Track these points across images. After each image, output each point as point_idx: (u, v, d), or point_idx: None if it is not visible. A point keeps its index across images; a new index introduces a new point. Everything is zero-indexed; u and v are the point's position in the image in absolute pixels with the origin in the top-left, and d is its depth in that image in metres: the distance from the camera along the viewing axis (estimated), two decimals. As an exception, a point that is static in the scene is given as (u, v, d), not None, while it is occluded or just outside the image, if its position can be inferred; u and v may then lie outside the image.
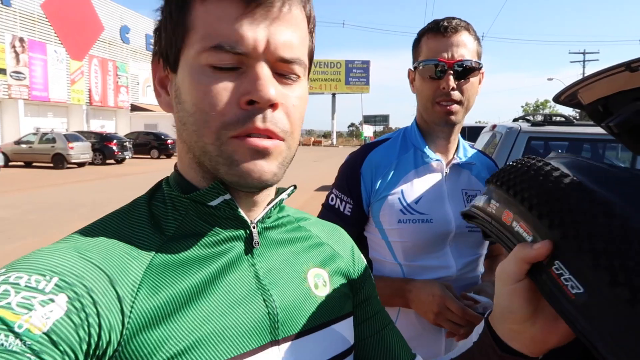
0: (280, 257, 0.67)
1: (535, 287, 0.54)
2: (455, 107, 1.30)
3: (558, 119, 4.64)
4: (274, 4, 0.55)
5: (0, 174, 17.52)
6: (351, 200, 1.36)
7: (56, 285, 0.47)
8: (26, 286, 0.46)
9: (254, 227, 0.65)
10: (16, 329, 0.43)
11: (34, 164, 21.36)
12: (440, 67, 1.28)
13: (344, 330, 0.71)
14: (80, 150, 20.96)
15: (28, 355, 0.42)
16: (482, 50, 1.36)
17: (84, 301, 0.48)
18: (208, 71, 0.56)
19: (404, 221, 1.30)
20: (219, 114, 0.55)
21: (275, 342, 0.61)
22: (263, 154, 0.57)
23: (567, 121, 4.57)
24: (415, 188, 1.33)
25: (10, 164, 20.85)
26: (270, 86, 0.55)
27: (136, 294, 0.53)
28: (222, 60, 0.55)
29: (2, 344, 0.41)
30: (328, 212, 1.40)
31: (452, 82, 1.27)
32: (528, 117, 4.80)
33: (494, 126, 4.85)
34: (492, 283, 1.37)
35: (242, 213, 0.63)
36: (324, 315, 0.68)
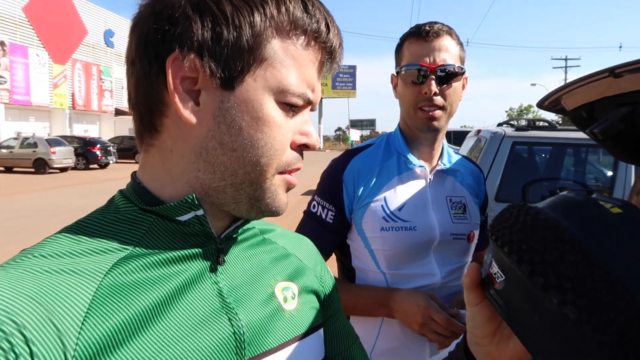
0: (245, 273, 0.64)
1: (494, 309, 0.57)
2: (437, 112, 1.27)
3: (542, 124, 4.68)
4: (334, 60, 0.63)
5: (-20, 180, 17.19)
6: (333, 208, 1.32)
7: None
8: None
9: (220, 244, 0.61)
10: None
11: (15, 169, 21.00)
12: (422, 72, 1.25)
13: (315, 344, 0.69)
14: (63, 155, 20.65)
15: None
16: (466, 56, 1.34)
17: (13, 340, 0.42)
18: (282, 110, 0.58)
19: (387, 229, 1.28)
20: (282, 152, 0.59)
21: None
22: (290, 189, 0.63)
23: (551, 126, 4.62)
24: (398, 195, 1.31)
25: (-10, 169, 20.49)
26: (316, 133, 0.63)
27: (82, 324, 0.47)
28: (297, 103, 0.59)
29: None
30: (310, 220, 1.36)
31: (434, 87, 1.25)
32: (512, 122, 4.83)
33: (479, 131, 4.88)
34: None
35: (212, 229, 0.59)
36: (293, 330, 0.65)
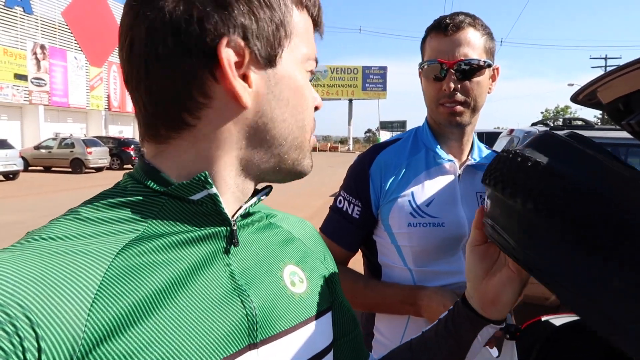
0: (255, 256, 0.63)
1: (490, 252, 0.75)
2: (459, 107, 1.24)
3: (579, 123, 4.54)
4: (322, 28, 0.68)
5: (20, 179, 17.84)
6: (359, 203, 1.30)
7: None
8: None
9: (234, 224, 0.60)
10: None
11: (53, 168, 21.72)
12: (441, 67, 1.22)
13: (323, 327, 0.69)
14: (99, 155, 21.25)
15: None
16: (495, 46, 1.29)
17: (17, 323, 0.41)
18: (308, 77, 0.64)
19: (414, 224, 1.25)
20: (312, 115, 0.66)
21: (253, 346, 0.57)
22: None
23: (587, 125, 4.46)
24: (426, 190, 1.27)
25: (30, 168, 21.23)
26: None
27: (91, 306, 0.46)
28: (314, 68, 0.65)
29: None
30: (335, 215, 1.35)
31: (452, 84, 1.21)
32: (547, 122, 4.71)
33: (512, 130, 4.77)
34: None
35: (225, 209, 0.58)
36: (302, 314, 0.65)
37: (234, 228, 0.60)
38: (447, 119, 1.25)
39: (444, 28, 1.22)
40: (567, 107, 56.35)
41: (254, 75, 0.56)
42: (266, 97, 0.58)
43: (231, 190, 0.61)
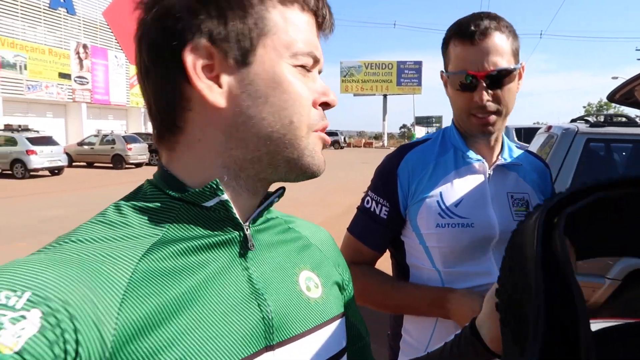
0: (272, 260, 0.66)
1: None
2: (492, 117, 1.20)
3: (621, 119, 4.36)
4: (326, 17, 0.65)
5: (64, 174, 18.53)
6: (387, 203, 1.30)
7: (28, 300, 0.44)
8: None
9: (247, 229, 0.62)
10: None
11: (95, 164, 22.47)
12: (471, 79, 1.18)
13: (337, 332, 0.70)
14: (138, 152, 21.85)
15: None
16: (519, 43, 1.23)
17: (59, 316, 0.45)
18: (299, 73, 0.61)
19: (442, 225, 1.23)
20: (310, 110, 0.62)
21: (269, 348, 0.59)
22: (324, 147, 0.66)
23: (630, 122, 4.28)
24: (455, 190, 1.26)
25: (74, 164, 22.05)
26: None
27: (121, 304, 0.50)
28: (309, 63, 0.62)
29: None
30: (363, 215, 1.34)
31: (485, 95, 1.17)
32: (588, 118, 4.54)
33: (550, 127, 4.62)
34: None
35: (237, 215, 0.61)
36: (317, 318, 0.67)
37: (247, 232, 0.62)
38: (479, 129, 1.22)
39: (470, 36, 1.17)
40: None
41: (226, 76, 0.58)
42: (240, 96, 0.58)
43: (243, 194, 0.63)
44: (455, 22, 1.24)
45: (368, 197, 1.35)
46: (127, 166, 21.62)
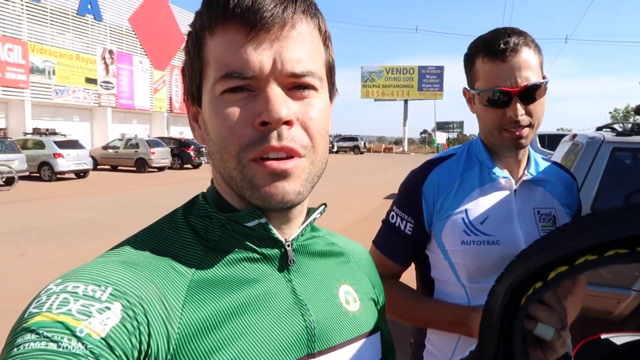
0: (314, 273, 0.70)
1: None
2: (525, 130, 1.20)
3: (648, 128, 4.26)
4: (274, 25, 0.56)
5: (90, 177, 18.91)
6: (412, 219, 1.31)
7: (111, 294, 0.50)
8: (84, 295, 0.49)
9: (288, 246, 0.66)
10: (78, 334, 0.46)
11: (119, 167, 22.85)
12: (504, 95, 1.18)
13: (373, 345, 0.73)
14: (161, 155, 22.15)
15: (90, 357, 0.45)
16: (544, 57, 1.24)
17: (136, 310, 0.50)
18: (223, 99, 0.58)
19: (468, 242, 1.24)
20: (236, 138, 0.57)
21: (311, 355, 0.63)
22: (283, 175, 0.58)
23: (659, 131, 4.18)
24: (480, 207, 1.26)
25: (99, 167, 22.47)
26: (281, 105, 0.56)
27: (183, 306, 0.55)
28: (232, 85, 0.57)
29: (66, 347, 0.44)
30: (388, 230, 1.36)
31: (520, 110, 1.18)
32: (615, 126, 4.45)
33: (574, 135, 4.55)
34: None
35: (277, 234, 0.65)
36: (355, 330, 0.70)
37: (289, 249, 0.66)
38: (512, 144, 1.22)
39: (501, 53, 1.18)
40: (638, 106, 52.80)
41: (200, 117, 0.65)
42: (206, 135, 0.63)
43: (274, 214, 0.65)
44: (479, 39, 1.25)
45: (393, 212, 1.36)
46: (150, 170, 21.94)
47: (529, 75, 1.18)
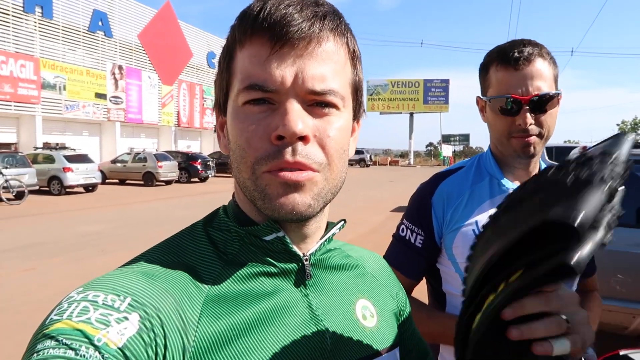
0: (331, 288, 0.69)
1: None
2: (533, 138, 1.20)
3: (658, 140, 4.23)
4: (299, 41, 0.57)
5: (98, 191, 19.03)
6: (422, 232, 1.31)
7: (129, 304, 0.51)
8: (103, 304, 0.50)
9: (306, 260, 0.66)
10: (95, 342, 0.46)
11: (127, 181, 23.00)
12: (514, 103, 1.19)
13: None
14: (168, 169, 22.28)
15: None
16: (559, 71, 1.25)
17: (153, 321, 0.51)
18: (244, 110, 0.59)
19: None
20: (253, 150, 0.58)
21: None
22: (295, 187, 0.58)
23: (669, 143, 4.15)
24: None
25: (107, 181, 22.62)
26: (297, 120, 0.56)
27: (199, 319, 0.55)
28: (253, 97, 0.58)
29: (84, 355, 0.45)
30: (398, 243, 1.36)
31: (529, 119, 1.18)
32: (623, 138, 4.40)
33: (584, 148, 4.53)
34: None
35: (294, 248, 0.65)
36: (371, 347, 0.69)
37: (306, 263, 0.66)
38: (520, 151, 1.22)
39: (514, 62, 1.19)
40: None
41: (226, 128, 0.66)
42: (229, 145, 0.64)
43: (291, 227, 0.65)
44: (495, 48, 1.26)
45: (403, 226, 1.36)
46: (157, 183, 22.06)
47: (541, 85, 1.18)
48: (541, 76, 1.19)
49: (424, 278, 1.39)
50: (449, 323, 1.26)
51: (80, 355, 0.45)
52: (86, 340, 0.46)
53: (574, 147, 5.88)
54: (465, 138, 63.89)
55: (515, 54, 1.19)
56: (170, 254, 0.61)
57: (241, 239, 0.64)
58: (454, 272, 1.28)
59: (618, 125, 56.05)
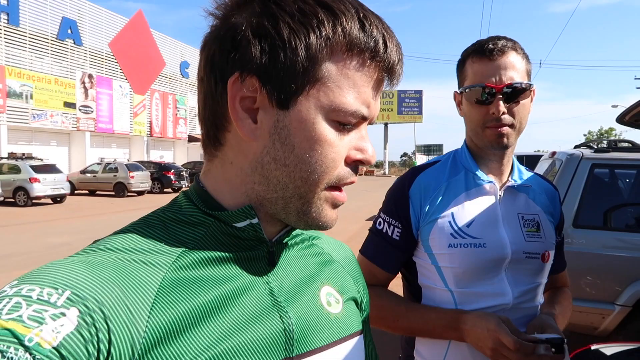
0: (294, 275, 0.67)
1: None
2: (506, 129, 1.23)
3: (625, 145, 4.37)
4: (397, 78, 0.63)
5: (67, 202, 18.55)
6: (399, 224, 1.30)
7: (68, 298, 0.47)
8: (38, 299, 0.46)
9: (272, 247, 0.65)
10: (26, 343, 0.42)
11: (98, 192, 22.51)
12: (488, 91, 1.22)
13: (356, 348, 0.71)
14: (140, 180, 21.92)
15: None
16: (532, 68, 1.29)
17: (95, 316, 0.47)
18: (335, 128, 0.59)
19: (455, 245, 1.23)
20: (334, 169, 0.60)
21: (289, 359, 0.60)
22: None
23: (635, 147, 4.29)
24: (466, 211, 1.26)
25: (76, 192, 22.10)
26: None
27: (151, 309, 0.52)
28: (350, 121, 0.59)
29: (11, 357, 0.41)
30: (375, 237, 1.35)
31: (502, 107, 1.21)
32: (591, 144, 4.56)
33: (554, 153, 4.64)
34: (552, 315, 1.26)
35: (265, 235, 0.63)
36: (336, 333, 0.68)
37: (272, 250, 0.64)
38: (494, 141, 1.24)
39: (489, 53, 1.22)
40: (611, 128, 54.55)
41: (263, 112, 0.58)
42: (272, 137, 0.58)
43: (268, 220, 0.64)
44: (472, 44, 1.30)
45: (380, 219, 1.35)
46: (129, 194, 21.64)
47: (514, 76, 1.22)
48: (514, 67, 1.22)
49: (399, 273, 1.39)
50: (428, 314, 1.26)
51: (8, 358, 0.41)
52: (15, 340, 0.42)
53: (543, 156, 6.03)
54: (439, 148, 64.90)
55: (490, 45, 1.23)
56: (122, 243, 0.57)
57: (203, 224, 0.61)
58: (430, 264, 1.28)
59: (585, 135, 57.92)
